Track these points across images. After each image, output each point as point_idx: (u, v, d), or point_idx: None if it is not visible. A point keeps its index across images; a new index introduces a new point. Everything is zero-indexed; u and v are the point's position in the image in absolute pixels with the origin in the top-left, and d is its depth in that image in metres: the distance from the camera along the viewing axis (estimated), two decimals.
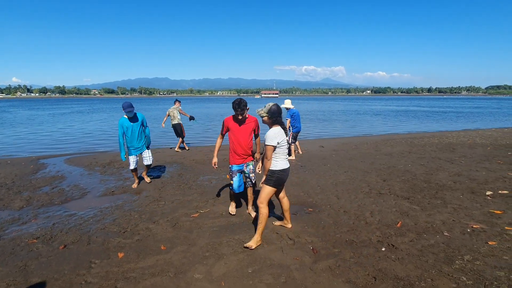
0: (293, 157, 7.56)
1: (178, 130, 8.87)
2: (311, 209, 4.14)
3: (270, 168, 3.03)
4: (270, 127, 3.12)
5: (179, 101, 9.28)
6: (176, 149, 9.11)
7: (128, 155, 5.18)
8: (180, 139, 9.07)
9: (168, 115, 8.91)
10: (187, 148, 9.37)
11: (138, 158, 5.27)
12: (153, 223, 3.73)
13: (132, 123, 4.97)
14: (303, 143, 10.64)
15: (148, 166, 5.45)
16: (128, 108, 4.83)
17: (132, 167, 5.18)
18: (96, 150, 10.06)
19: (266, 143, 3.00)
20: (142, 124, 5.16)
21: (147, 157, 5.33)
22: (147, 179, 5.63)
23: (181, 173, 6.26)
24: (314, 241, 3.18)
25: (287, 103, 7.17)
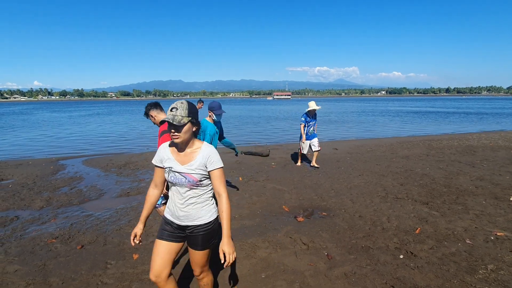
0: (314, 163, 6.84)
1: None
2: (325, 213, 4.07)
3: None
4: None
5: (202, 102, 9.50)
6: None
7: None
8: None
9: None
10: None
11: None
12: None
13: (216, 130, 3.63)
14: None
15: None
16: (219, 110, 3.62)
17: None
18: (112, 151, 10.30)
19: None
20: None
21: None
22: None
23: None
24: (328, 247, 3.11)
25: (312, 105, 6.39)
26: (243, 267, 2.76)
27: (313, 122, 6.62)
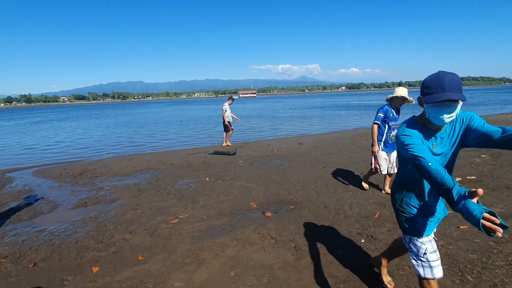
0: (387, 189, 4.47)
1: (227, 125, 9.72)
2: (292, 206, 4.16)
3: None
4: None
5: (233, 99, 10.05)
6: (225, 143, 9.95)
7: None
8: (225, 134, 9.95)
9: (225, 111, 9.63)
10: (229, 144, 10.03)
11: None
12: (129, 233, 3.57)
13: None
14: (282, 141, 10.72)
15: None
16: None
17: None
18: (66, 160, 9.54)
19: None
20: None
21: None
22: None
23: (159, 178, 6.08)
24: (296, 238, 3.18)
25: (402, 92, 3.93)
26: (211, 267, 2.71)
27: (398, 122, 4.10)
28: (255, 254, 2.91)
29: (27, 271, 2.90)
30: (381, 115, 4.03)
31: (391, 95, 4.02)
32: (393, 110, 4.03)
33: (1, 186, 6.29)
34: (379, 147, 4.21)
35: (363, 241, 3.04)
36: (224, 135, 10.01)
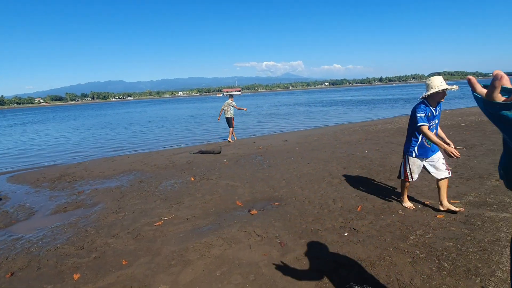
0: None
1: (230, 122, 10.31)
2: (277, 203, 4.19)
3: None
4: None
5: (232, 97, 10.63)
6: (229, 139, 10.41)
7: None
8: (231, 129, 10.48)
9: (223, 110, 10.32)
10: (235, 139, 10.70)
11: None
12: (112, 237, 3.49)
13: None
14: (267, 138, 10.76)
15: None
16: None
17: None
18: (43, 164, 9.16)
19: None
20: None
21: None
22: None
23: (142, 180, 5.95)
24: (281, 235, 3.22)
25: (438, 82, 3.21)
26: (197, 268, 2.70)
27: (437, 120, 3.39)
28: (241, 252, 2.92)
29: (4, 281, 2.77)
30: (422, 115, 3.27)
31: (429, 92, 3.20)
32: (431, 108, 3.28)
33: None
34: (413, 153, 3.52)
35: (346, 234, 3.11)
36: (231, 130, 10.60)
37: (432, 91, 3.19)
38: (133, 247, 3.22)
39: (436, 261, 2.50)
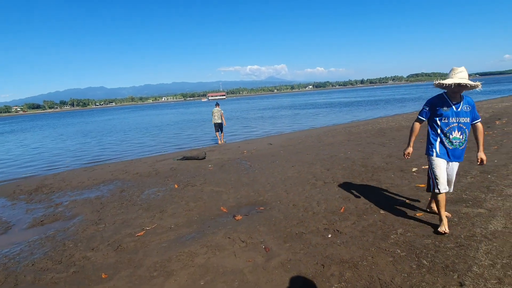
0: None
1: (220, 127, 11.13)
2: (262, 208, 4.18)
3: None
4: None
5: (219, 104, 11.36)
6: (220, 142, 11.25)
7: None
8: (222, 134, 11.35)
9: (213, 114, 11.00)
10: (223, 141, 11.44)
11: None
12: (91, 250, 3.36)
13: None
14: (252, 142, 10.77)
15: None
16: None
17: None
18: (20, 176, 8.75)
19: None
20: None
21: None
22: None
23: (123, 189, 5.79)
24: (266, 240, 3.20)
25: (459, 74, 2.74)
26: (180, 278, 2.64)
27: (464, 118, 2.84)
28: (225, 259, 2.88)
29: None
30: (427, 108, 2.94)
31: (436, 82, 2.86)
32: (450, 101, 2.82)
33: None
34: (434, 152, 2.94)
35: (330, 236, 3.14)
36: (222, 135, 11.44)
37: (439, 82, 2.82)
38: (114, 259, 3.11)
39: (416, 259, 2.56)
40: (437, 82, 2.85)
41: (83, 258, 3.20)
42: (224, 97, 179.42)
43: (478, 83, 2.72)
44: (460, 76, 2.72)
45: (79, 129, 27.41)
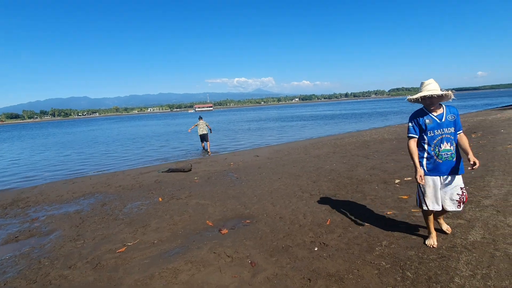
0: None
1: (205, 138, 11.88)
2: (248, 221, 4.13)
3: None
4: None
5: (202, 118, 12.21)
6: (210, 153, 11.79)
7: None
8: (208, 143, 12.07)
9: (197, 125, 11.81)
10: (209, 152, 12.00)
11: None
12: (68, 268, 3.19)
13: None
14: (239, 154, 10.75)
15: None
16: None
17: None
18: None
19: None
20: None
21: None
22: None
23: (105, 203, 5.60)
24: (252, 254, 3.15)
25: (427, 86, 2.79)
26: None
27: (449, 129, 2.77)
28: (210, 276, 2.81)
29: None
30: (411, 124, 2.90)
31: (410, 97, 2.89)
32: (431, 114, 2.80)
33: None
34: (422, 169, 2.82)
35: (316, 249, 3.13)
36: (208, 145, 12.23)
37: (409, 97, 2.89)
38: (92, 278, 2.96)
39: (400, 271, 2.59)
40: (408, 98, 2.90)
41: (60, 277, 3.03)
42: (211, 108, 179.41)
43: (449, 92, 2.68)
44: (428, 88, 2.74)
45: (59, 140, 26.52)
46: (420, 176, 2.78)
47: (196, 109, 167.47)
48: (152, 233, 3.99)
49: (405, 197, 4.39)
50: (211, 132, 12.22)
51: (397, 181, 5.32)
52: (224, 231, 3.85)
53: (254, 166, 7.98)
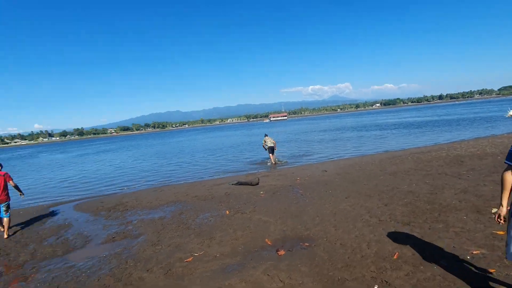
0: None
1: (272, 150, 12.97)
2: (307, 244, 4.05)
3: None
4: None
5: (267, 134, 13.43)
6: (274, 162, 12.96)
7: None
8: (274, 155, 13.24)
9: (265, 142, 13.06)
10: (276, 160, 13.21)
11: None
12: (146, 271, 3.74)
13: None
14: (307, 168, 10.57)
15: None
16: None
17: None
18: (104, 193, 10.31)
19: None
20: None
21: None
22: None
23: (182, 212, 6.32)
24: (304, 282, 3.09)
25: None
26: None
27: None
28: None
29: None
30: None
31: None
32: None
33: (45, 220, 6.98)
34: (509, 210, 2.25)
35: (376, 287, 2.86)
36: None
37: None
38: (163, 283, 3.40)
39: None
40: None
41: (139, 279, 3.58)
42: (286, 117, 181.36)
43: None
44: None
45: (157, 150, 30.99)
46: (500, 216, 2.20)
47: (271, 119, 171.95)
48: (216, 246, 4.31)
49: (501, 232, 3.59)
50: (275, 149, 13.33)
51: (494, 210, 4.38)
52: (281, 252, 3.87)
53: (321, 182, 7.74)
